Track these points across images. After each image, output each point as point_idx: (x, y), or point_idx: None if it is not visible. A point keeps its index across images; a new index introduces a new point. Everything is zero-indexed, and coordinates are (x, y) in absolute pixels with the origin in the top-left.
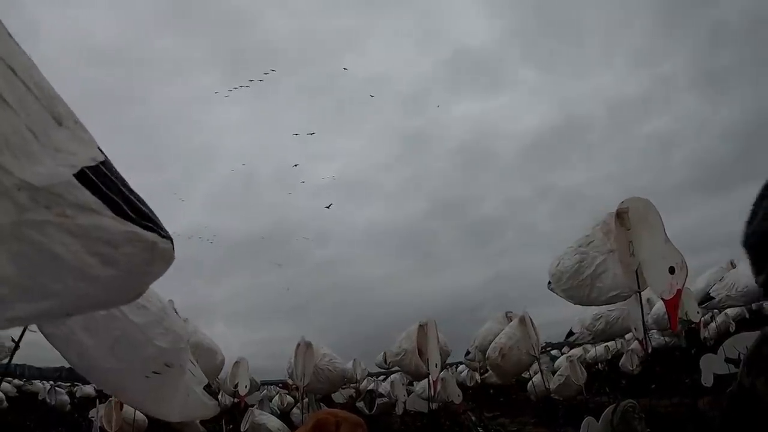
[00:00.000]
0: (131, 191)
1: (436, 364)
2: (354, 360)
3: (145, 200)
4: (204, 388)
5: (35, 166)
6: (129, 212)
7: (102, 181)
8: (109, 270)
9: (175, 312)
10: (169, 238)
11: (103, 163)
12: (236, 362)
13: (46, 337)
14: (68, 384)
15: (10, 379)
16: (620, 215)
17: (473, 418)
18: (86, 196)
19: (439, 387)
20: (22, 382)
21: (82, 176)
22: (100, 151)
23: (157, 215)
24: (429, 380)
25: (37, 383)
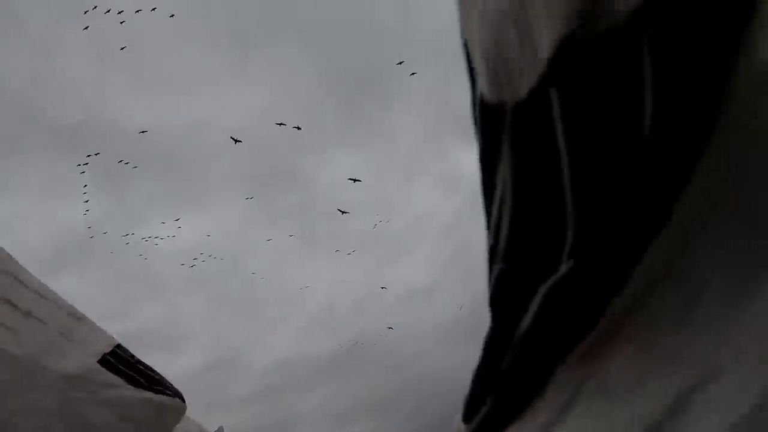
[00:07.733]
0: (142, 363)
1: None
2: None
3: (153, 368)
4: None
5: (68, 360)
6: (142, 381)
7: (118, 360)
8: (131, 427)
9: None
10: (177, 395)
11: (117, 346)
12: None
13: None
14: None
15: None
16: None
17: None
18: (108, 376)
19: None
20: None
21: (103, 360)
22: (113, 337)
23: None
24: None
25: None
